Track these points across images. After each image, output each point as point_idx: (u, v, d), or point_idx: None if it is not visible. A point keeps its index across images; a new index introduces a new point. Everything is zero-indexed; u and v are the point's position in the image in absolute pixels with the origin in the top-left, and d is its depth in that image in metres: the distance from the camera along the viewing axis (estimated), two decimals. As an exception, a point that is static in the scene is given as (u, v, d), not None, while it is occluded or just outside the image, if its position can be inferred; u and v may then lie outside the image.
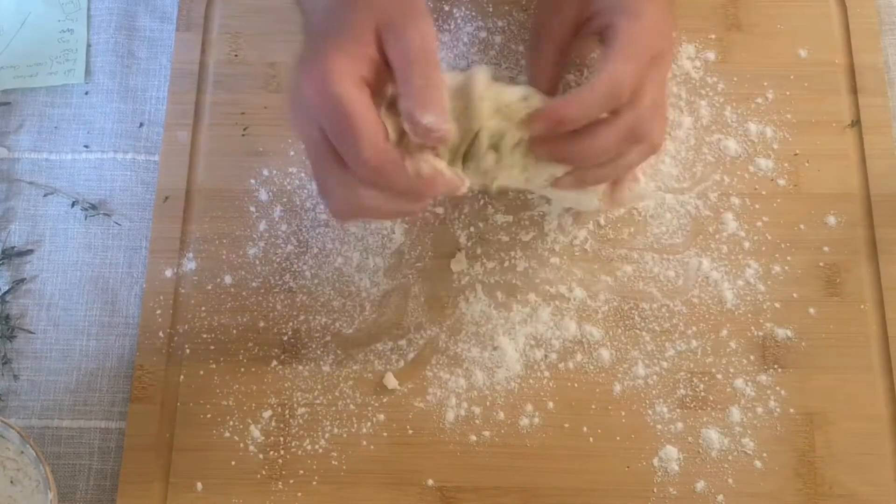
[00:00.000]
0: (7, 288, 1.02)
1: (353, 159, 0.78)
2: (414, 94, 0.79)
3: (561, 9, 0.93)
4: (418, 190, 0.81)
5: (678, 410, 0.94)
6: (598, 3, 0.89)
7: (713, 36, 1.06)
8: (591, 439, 0.94)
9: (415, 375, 0.96)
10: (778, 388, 0.95)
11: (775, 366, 0.95)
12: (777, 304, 0.97)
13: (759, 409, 0.94)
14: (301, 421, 0.95)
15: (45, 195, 1.05)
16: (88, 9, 1.12)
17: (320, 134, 0.79)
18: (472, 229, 1.00)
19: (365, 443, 0.94)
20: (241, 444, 0.94)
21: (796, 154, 1.02)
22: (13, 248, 1.03)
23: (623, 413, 0.94)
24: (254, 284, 0.99)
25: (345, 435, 0.94)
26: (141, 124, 1.08)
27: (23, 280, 1.02)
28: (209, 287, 0.99)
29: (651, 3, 0.87)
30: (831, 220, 1.00)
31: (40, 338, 1.01)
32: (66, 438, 0.97)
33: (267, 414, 0.95)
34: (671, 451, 0.93)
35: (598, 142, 0.84)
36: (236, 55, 1.08)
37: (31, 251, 1.03)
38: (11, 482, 0.90)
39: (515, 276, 0.99)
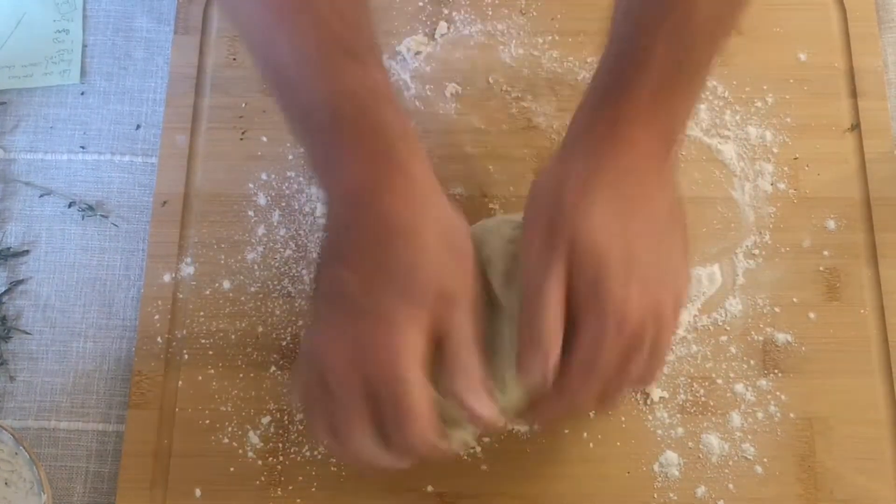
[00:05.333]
0: (3, 289, 1.01)
1: (396, 439, 0.78)
2: (463, 377, 0.79)
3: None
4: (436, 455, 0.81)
5: (678, 415, 0.94)
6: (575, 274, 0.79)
7: (713, 39, 1.05)
8: (591, 445, 0.94)
9: (414, 380, 0.96)
10: (778, 392, 0.95)
11: (775, 370, 0.95)
12: (777, 309, 0.97)
13: (760, 414, 0.94)
14: (300, 427, 0.94)
15: (41, 196, 1.05)
16: (84, 9, 1.12)
17: (361, 395, 0.77)
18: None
19: (364, 448, 0.94)
20: (240, 451, 0.94)
21: (796, 158, 1.02)
22: (9, 248, 1.03)
23: (623, 418, 0.94)
24: (252, 289, 0.99)
25: (344, 441, 0.94)
26: (138, 126, 1.07)
27: (19, 281, 1.02)
28: (207, 292, 0.99)
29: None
30: (831, 224, 1.00)
31: (36, 339, 1.00)
32: (62, 440, 0.97)
33: (266, 420, 0.95)
34: (671, 457, 0.93)
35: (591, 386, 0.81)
36: (234, 58, 1.07)
37: (27, 252, 1.03)
38: (6, 483, 0.90)
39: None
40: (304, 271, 0.99)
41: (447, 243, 0.80)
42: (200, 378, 0.96)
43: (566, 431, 0.94)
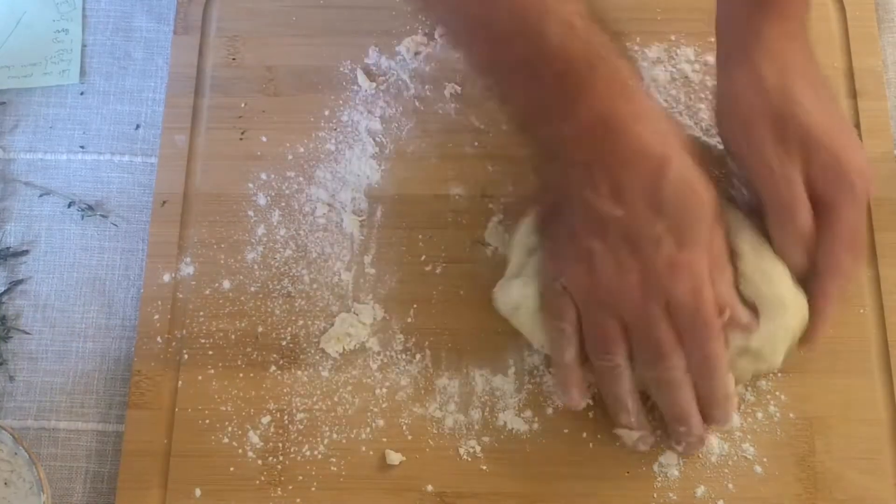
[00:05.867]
0: (3, 289, 1.01)
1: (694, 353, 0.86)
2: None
3: (787, 174, 0.90)
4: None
5: (678, 415, 0.94)
6: (816, 163, 0.90)
7: (712, 39, 1.03)
8: (590, 444, 0.94)
9: (414, 380, 0.96)
10: (778, 392, 0.95)
11: (775, 370, 0.95)
12: (776, 309, 0.97)
13: (759, 414, 0.94)
14: (300, 427, 0.94)
15: (40, 195, 1.05)
16: (83, 9, 1.12)
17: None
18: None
19: (364, 448, 0.94)
20: (240, 450, 0.94)
21: (796, 157, 1.02)
22: (8, 248, 1.03)
23: (622, 418, 0.94)
24: (252, 289, 0.99)
25: (344, 441, 0.94)
26: (137, 126, 1.07)
27: (19, 281, 1.02)
28: (207, 292, 0.99)
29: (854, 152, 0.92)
30: (831, 223, 1.00)
31: (36, 339, 1.00)
32: (62, 440, 0.97)
33: (266, 420, 0.95)
34: (671, 457, 0.92)
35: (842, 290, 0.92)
36: (234, 58, 1.07)
37: (26, 252, 1.03)
38: (5, 484, 0.90)
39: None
40: (304, 271, 0.99)
41: (695, 169, 0.87)
42: (200, 378, 0.96)
43: (566, 431, 0.94)
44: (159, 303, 0.99)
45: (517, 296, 0.92)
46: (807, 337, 0.91)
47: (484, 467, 0.93)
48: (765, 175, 0.90)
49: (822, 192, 0.89)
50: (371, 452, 0.94)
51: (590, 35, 0.84)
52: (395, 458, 0.93)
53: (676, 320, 0.85)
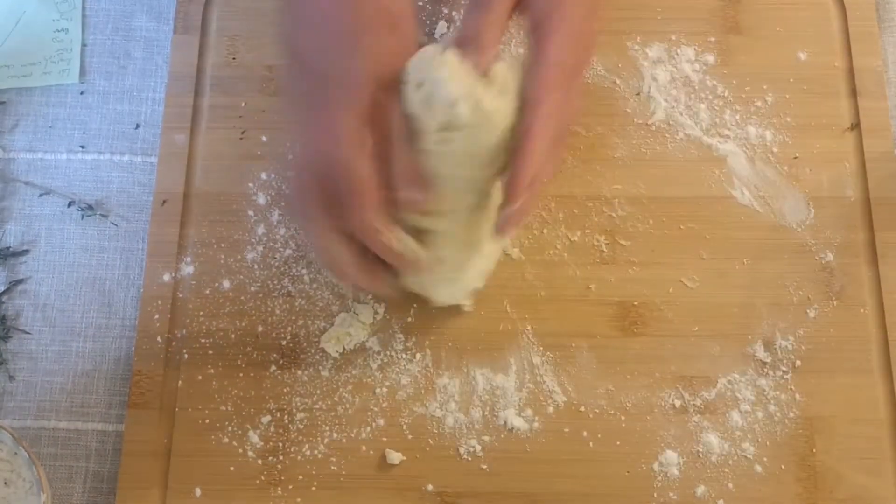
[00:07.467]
0: (3, 288, 1.01)
1: (348, 218, 0.83)
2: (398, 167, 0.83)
3: None
4: (388, 256, 0.86)
5: (678, 415, 0.94)
6: None
7: (712, 39, 1.05)
8: (590, 444, 0.94)
9: (414, 380, 0.96)
10: (778, 392, 0.95)
11: (775, 370, 0.95)
12: (777, 308, 0.97)
13: (760, 414, 0.94)
14: (300, 426, 0.94)
15: (40, 195, 1.05)
16: (83, 8, 1.12)
17: (316, 182, 0.83)
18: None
19: (364, 448, 0.94)
20: (240, 450, 0.94)
21: (796, 157, 1.02)
22: (8, 248, 1.03)
23: (623, 418, 0.94)
24: (252, 289, 0.99)
25: (344, 440, 0.94)
26: (137, 125, 1.07)
27: (19, 280, 1.02)
28: (207, 291, 0.99)
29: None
30: (831, 223, 1.00)
31: (36, 339, 1.00)
32: (62, 440, 0.97)
33: (266, 419, 0.95)
34: (671, 456, 0.93)
35: (538, 162, 0.83)
36: (234, 58, 1.07)
37: (26, 251, 1.03)
38: (5, 483, 0.90)
39: (515, 279, 0.99)
40: (304, 270, 0.99)
41: (386, 24, 0.83)
42: (200, 377, 0.96)
43: (566, 430, 0.94)
44: (159, 302, 0.99)
45: None
46: (509, 191, 0.83)
47: (484, 466, 0.93)
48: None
49: (536, 18, 0.84)
50: (371, 452, 0.94)
51: None
52: (395, 457, 0.93)
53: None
